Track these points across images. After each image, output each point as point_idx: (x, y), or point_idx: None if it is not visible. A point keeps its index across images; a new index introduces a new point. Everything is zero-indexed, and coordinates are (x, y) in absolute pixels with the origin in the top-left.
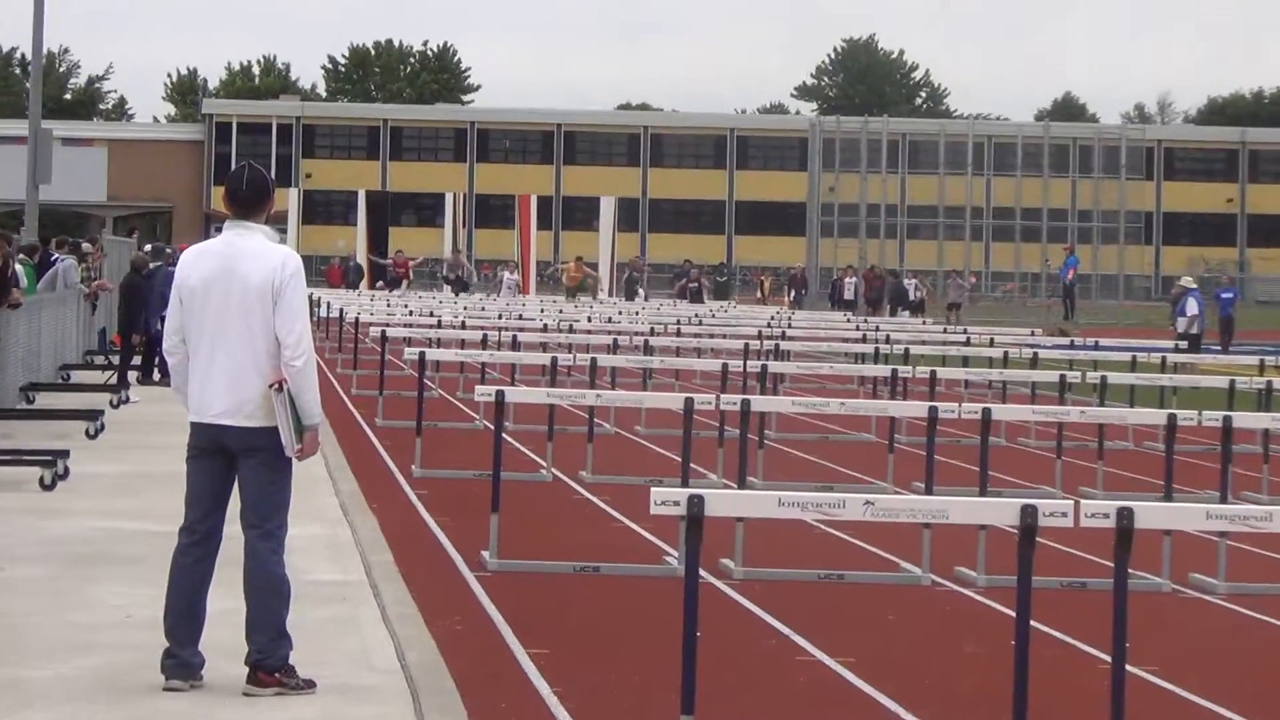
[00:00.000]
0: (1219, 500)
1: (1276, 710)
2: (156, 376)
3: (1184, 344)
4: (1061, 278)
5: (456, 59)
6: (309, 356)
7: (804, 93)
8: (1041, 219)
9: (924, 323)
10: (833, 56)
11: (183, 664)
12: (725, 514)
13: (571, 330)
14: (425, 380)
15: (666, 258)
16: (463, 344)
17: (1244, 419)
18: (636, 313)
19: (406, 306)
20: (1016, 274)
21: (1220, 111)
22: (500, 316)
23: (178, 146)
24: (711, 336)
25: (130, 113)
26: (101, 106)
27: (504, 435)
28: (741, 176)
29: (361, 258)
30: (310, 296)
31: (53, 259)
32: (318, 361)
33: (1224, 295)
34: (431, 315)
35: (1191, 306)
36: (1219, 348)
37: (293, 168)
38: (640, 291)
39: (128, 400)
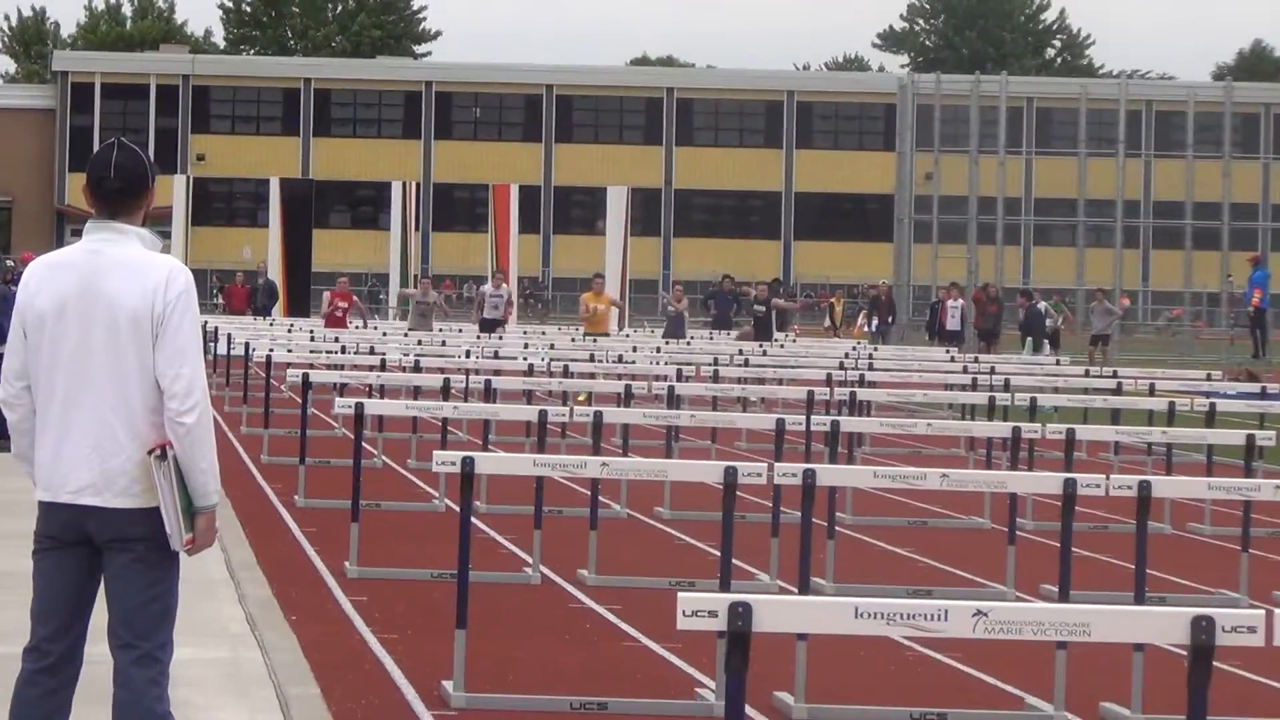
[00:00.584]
0: None
1: None
2: None
3: None
4: (1246, 301)
5: None
6: (203, 410)
7: (890, 41)
8: (1222, 217)
9: (1058, 362)
10: None
11: None
12: (781, 629)
13: (567, 374)
14: (364, 444)
15: (697, 271)
16: (416, 393)
17: None
18: (657, 349)
19: (337, 340)
20: (1186, 295)
21: None
22: (469, 355)
23: (18, 117)
24: (762, 382)
25: None
26: None
27: (474, 520)
28: (804, 159)
29: (275, 269)
30: (204, 327)
31: None
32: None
33: None
34: (372, 353)
35: None
36: None
37: (179, 147)
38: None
39: None
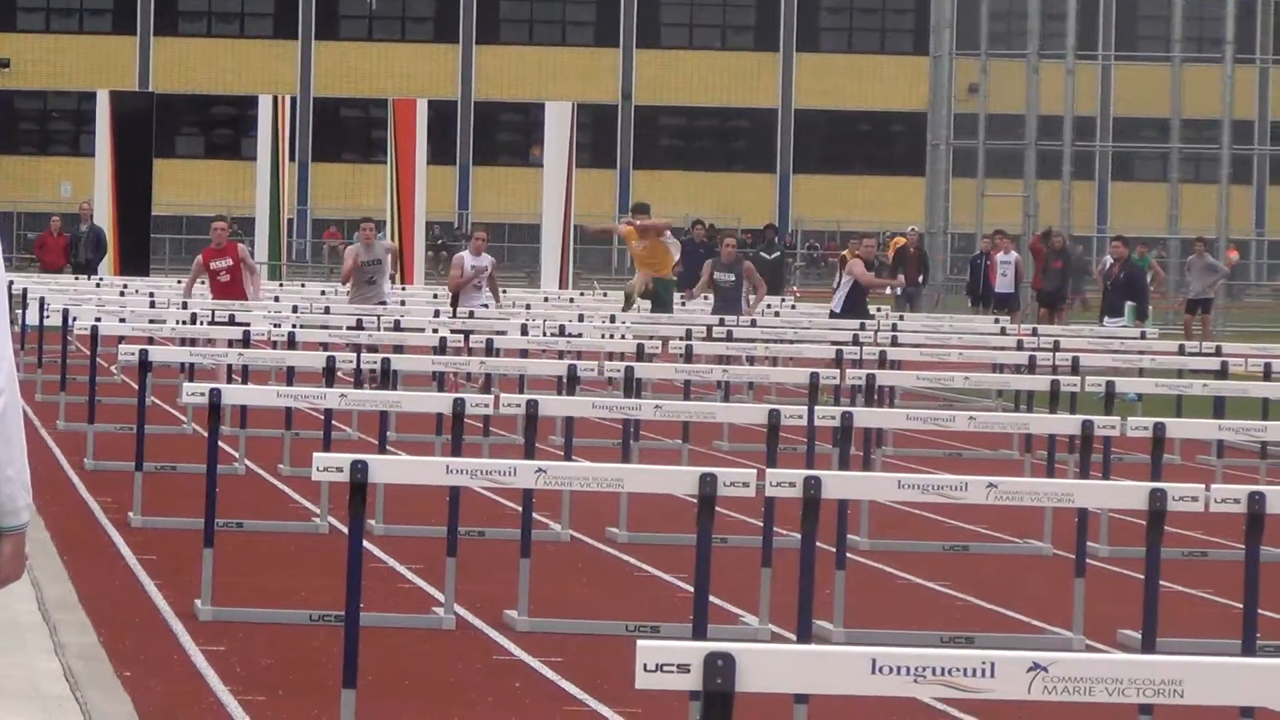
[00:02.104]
0: None
1: None
2: None
3: None
4: None
5: None
6: (9, 399)
7: None
8: None
9: (1143, 335)
10: None
11: None
12: (774, 688)
13: (491, 351)
14: (221, 444)
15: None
16: (290, 376)
17: None
18: (612, 318)
19: (185, 307)
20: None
21: None
22: (360, 326)
23: None
24: (750, 363)
25: None
26: None
27: (367, 545)
28: (806, 65)
29: (104, 214)
30: (9, 288)
31: None
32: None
33: None
34: (232, 323)
35: None
36: None
37: None
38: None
39: None
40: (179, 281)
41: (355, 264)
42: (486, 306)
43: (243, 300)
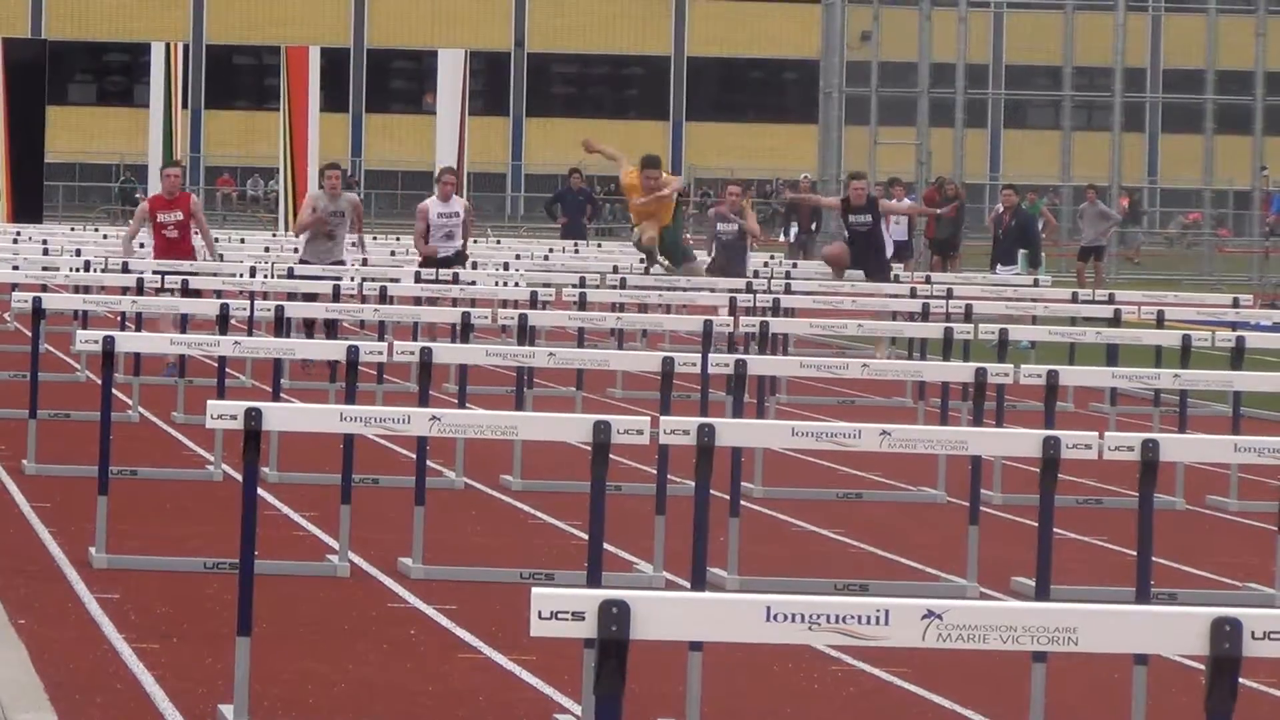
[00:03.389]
0: None
1: None
2: None
3: None
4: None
5: None
6: None
7: None
8: (1254, 92)
9: (1036, 283)
10: None
11: None
12: (668, 635)
13: (385, 298)
14: (115, 392)
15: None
16: (184, 325)
17: None
18: (505, 266)
19: (78, 254)
20: (1206, 193)
21: None
22: (254, 273)
23: None
24: (644, 309)
25: None
26: None
27: (261, 492)
28: (699, 12)
29: None
30: None
31: None
32: None
33: None
34: (126, 271)
35: None
36: None
37: None
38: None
39: None
40: (72, 229)
41: (316, 216)
42: (461, 258)
43: (189, 259)
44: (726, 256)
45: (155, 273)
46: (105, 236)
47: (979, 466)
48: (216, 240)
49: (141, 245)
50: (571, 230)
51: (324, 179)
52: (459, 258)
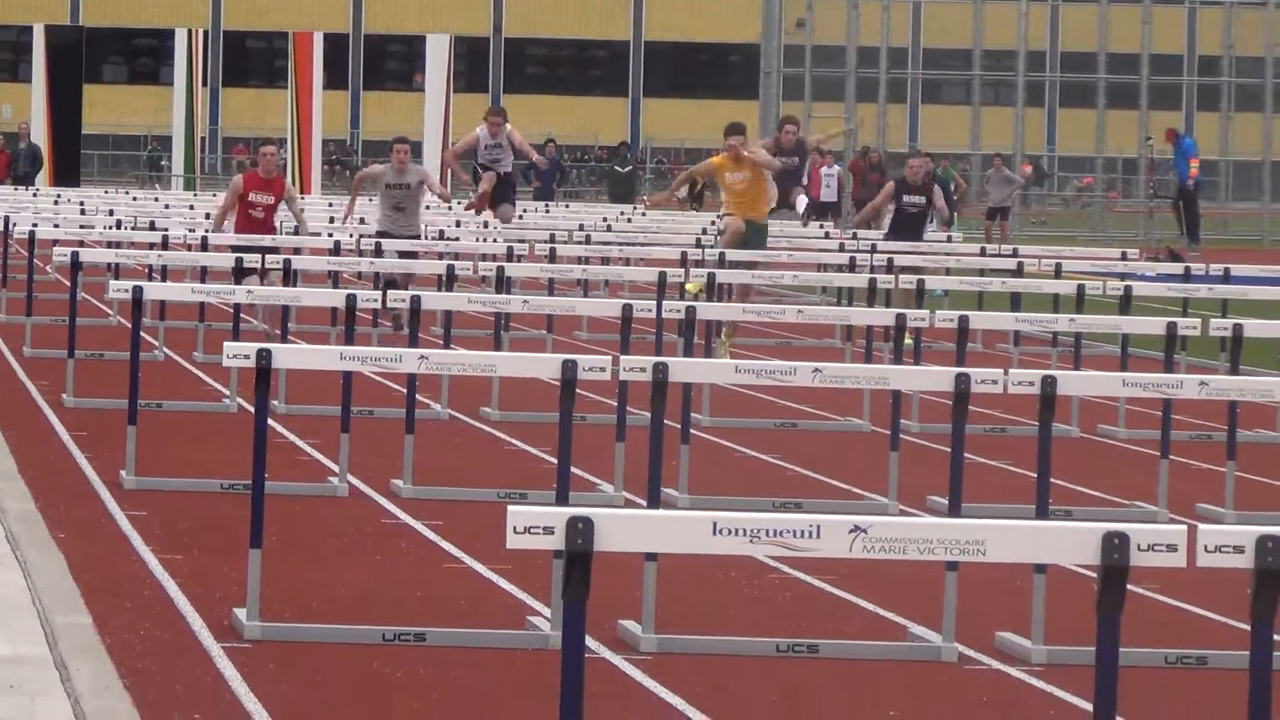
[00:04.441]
0: None
1: None
2: None
3: None
4: (1181, 176)
5: None
6: None
7: None
8: (1140, 71)
9: (949, 239)
10: None
11: None
12: (627, 548)
13: (379, 253)
14: (143, 334)
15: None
16: (204, 275)
17: None
18: (485, 224)
19: (111, 214)
20: (1098, 160)
21: None
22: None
23: None
24: (605, 263)
25: None
26: None
27: (271, 422)
28: (655, 2)
29: (40, 133)
30: None
31: None
32: None
33: None
34: (152, 228)
35: None
36: None
37: None
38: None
39: None
40: (105, 192)
41: (364, 178)
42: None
43: (268, 233)
44: (911, 228)
45: (234, 249)
46: (135, 199)
47: (898, 399)
48: (438, 230)
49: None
50: (543, 193)
51: (392, 153)
52: (508, 187)
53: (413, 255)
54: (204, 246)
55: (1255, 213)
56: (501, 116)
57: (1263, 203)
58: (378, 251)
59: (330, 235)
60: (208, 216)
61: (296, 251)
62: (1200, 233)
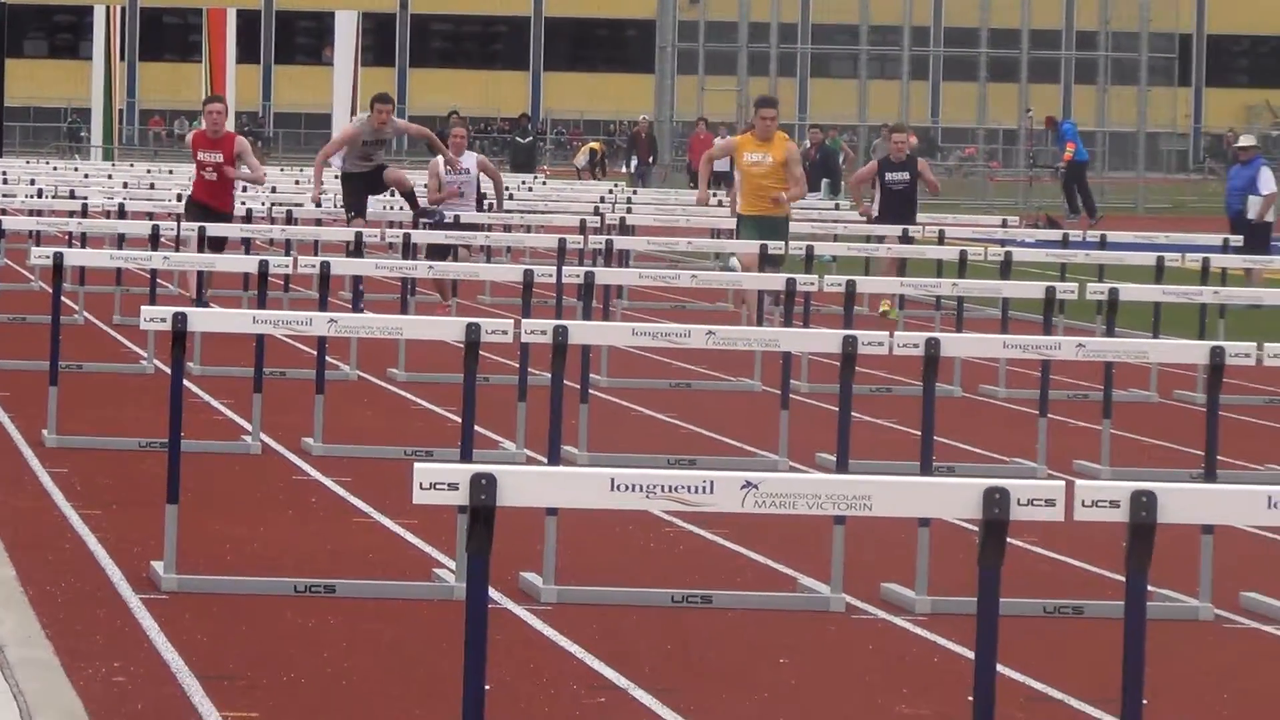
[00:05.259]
0: None
1: None
2: None
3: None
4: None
5: None
6: None
7: None
8: (1020, 46)
9: (837, 206)
10: None
11: None
12: (528, 503)
13: (290, 220)
14: (63, 299)
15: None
16: (121, 242)
17: None
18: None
19: (33, 183)
20: (980, 131)
21: None
22: (179, 199)
23: None
24: (508, 230)
25: None
26: None
27: (186, 383)
28: None
29: None
30: None
31: None
32: None
33: None
34: (72, 196)
35: (1268, 181)
36: None
37: None
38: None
39: None
40: (27, 163)
41: (339, 144)
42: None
43: (227, 210)
44: (898, 207)
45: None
46: (55, 169)
47: (789, 360)
48: (148, 171)
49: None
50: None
51: (374, 112)
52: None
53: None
54: (121, 214)
55: (1130, 182)
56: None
57: (1137, 172)
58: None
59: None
60: (125, 185)
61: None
62: (1095, 203)
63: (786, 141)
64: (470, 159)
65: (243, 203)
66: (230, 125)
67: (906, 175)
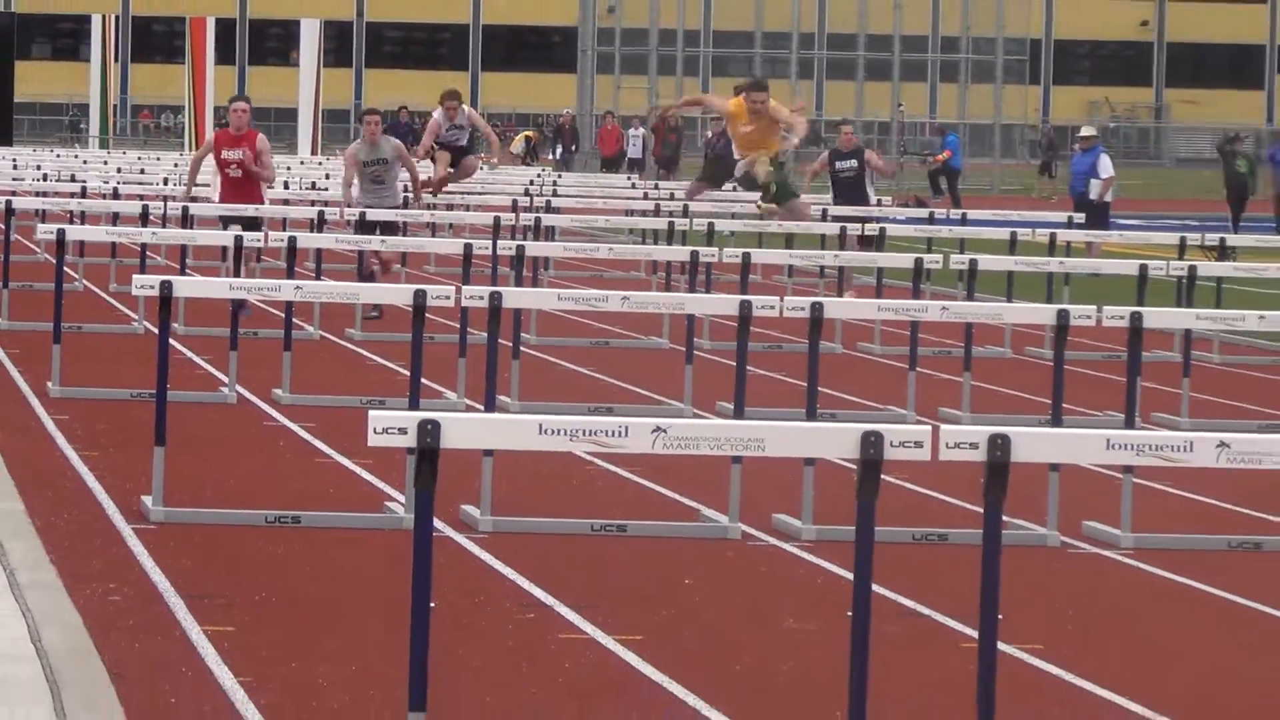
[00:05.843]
0: (1123, 425)
1: (1194, 704)
2: None
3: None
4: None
5: None
6: None
7: None
8: (893, 49)
9: (734, 188)
10: None
11: None
12: (468, 445)
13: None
14: (65, 269)
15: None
16: (115, 219)
17: (1157, 317)
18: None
19: (39, 169)
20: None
21: None
22: (167, 183)
23: None
24: (450, 209)
25: None
26: None
27: (171, 341)
28: None
29: None
30: None
31: None
32: None
33: None
34: (74, 180)
35: (1106, 166)
36: (1275, 223)
37: None
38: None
39: None
40: (34, 151)
41: (355, 165)
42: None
43: (257, 203)
44: (848, 192)
45: (221, 218)
46: (59, 156)
47: (692, 322)
48: (139, 158)
49: (207, 185)
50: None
51: (364, 126)
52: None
53: (392, 226)
54: (115, 195)
55: (987, 167)
56: (456, 100)
57: (993, 158)
58: (362, 225)
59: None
60: (119, 170)
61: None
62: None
63: (771, 109)
64: (462, 116)
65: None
66: (209, 120)
67: (855, 164)
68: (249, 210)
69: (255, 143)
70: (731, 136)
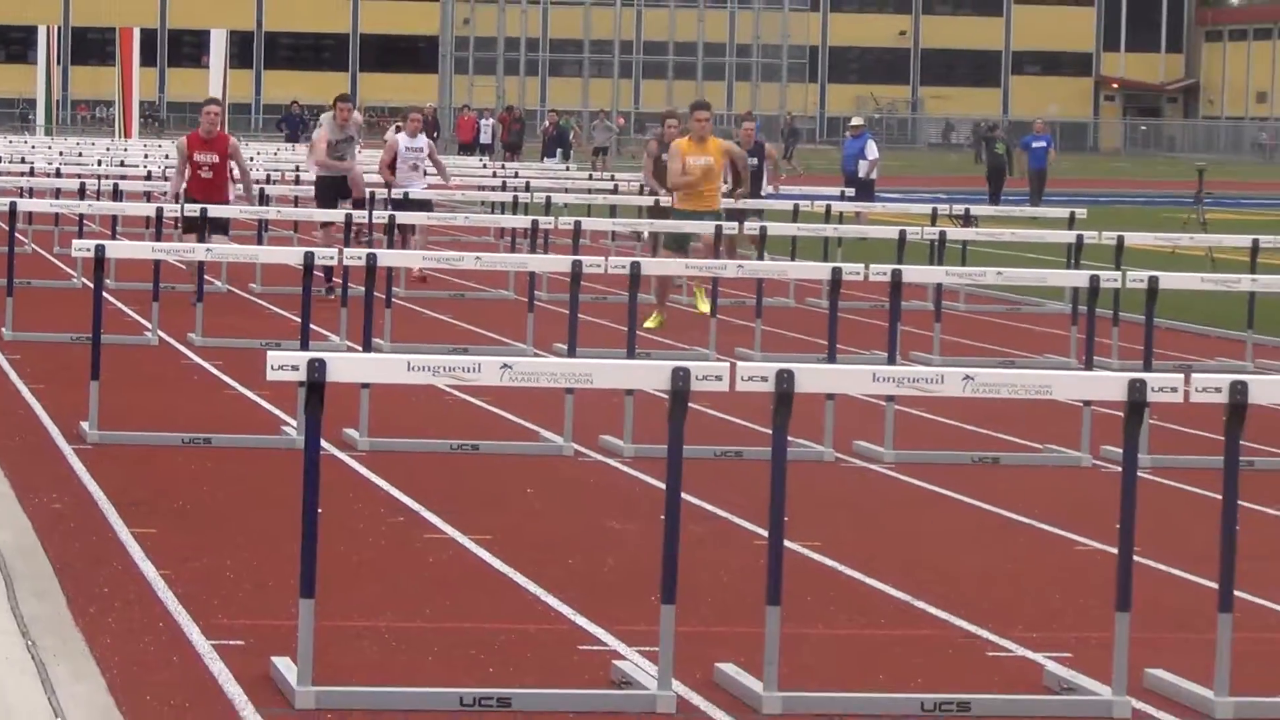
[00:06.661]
0: (886, 362)
1: (944, 588)
2: None
3: (852, 191)
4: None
5: None
6: None
7: None
8: (697, 54)
9: (568, 168)
10: None
11: None
12: (349, 379)
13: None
14: (16, 235)
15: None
16: (58, 194)
17: (914, 273)
18: (251, 159)
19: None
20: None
21: None
22: (100, 163)
23: None
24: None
25: None
26: None
27: (104, 294)
28: (368, 7)
29: None
30: None
31: None
32: None
33: (1036, 145)
34: (23, 161)
35: (872, 150)
36: (1029, 200)
37: None
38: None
39: None
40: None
41: (326, 144)
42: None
43: (224, 203)
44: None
45: (188, 209)
46: (10, 142)
47: (534, 278)
48: (77, 144)
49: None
50: (291, 139)
51: (336, 110)
52: (424, 205)
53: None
54: (58, 174)
55: (774, 151)
56: (349, 103)
57: (778, 142)
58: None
59: (145, 168)
60: (60, 154)
61: (122, 178)
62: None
63: (722, 143)
64: (422, 140)
65: (145, 167)
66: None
67: (755, 160)
68: (217, 211)
69: (227, 146)
70: (671, 184)
